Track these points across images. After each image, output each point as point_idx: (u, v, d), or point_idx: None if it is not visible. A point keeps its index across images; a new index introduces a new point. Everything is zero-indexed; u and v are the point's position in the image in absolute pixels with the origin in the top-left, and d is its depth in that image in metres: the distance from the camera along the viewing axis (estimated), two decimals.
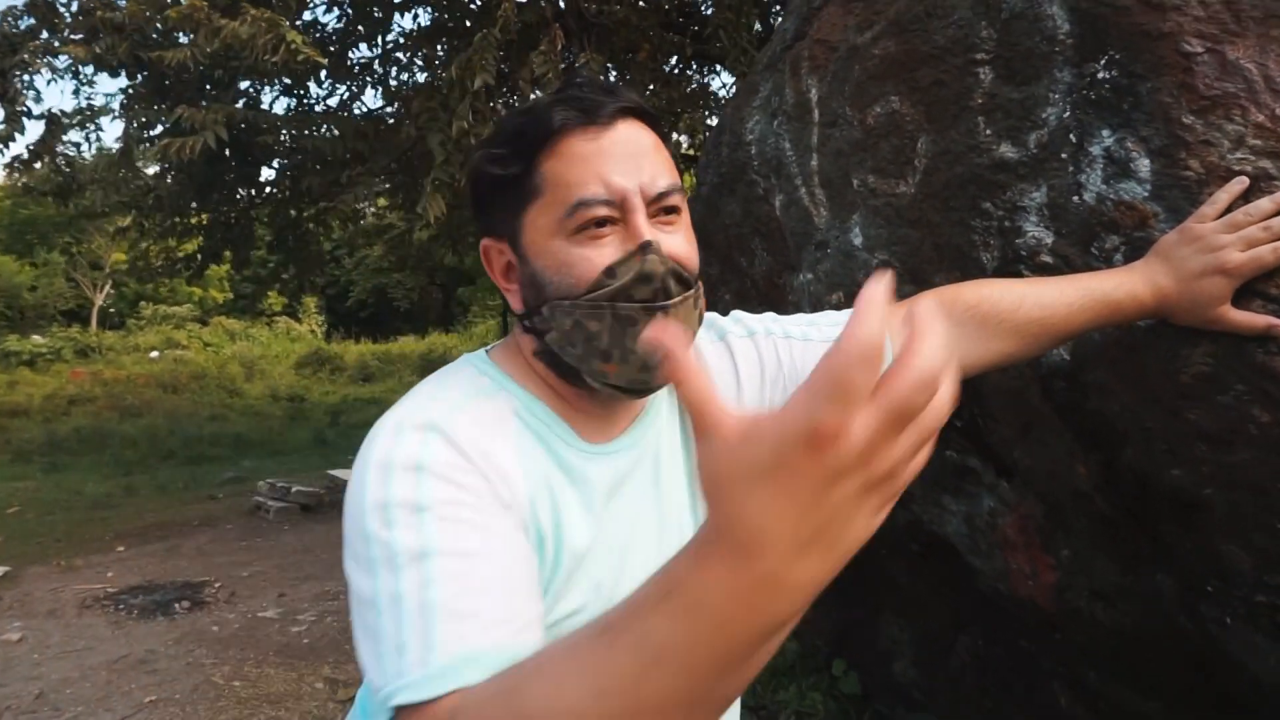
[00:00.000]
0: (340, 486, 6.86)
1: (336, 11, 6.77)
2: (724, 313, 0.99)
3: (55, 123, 6.59)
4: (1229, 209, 0.98)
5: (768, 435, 0.42)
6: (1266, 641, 1.12)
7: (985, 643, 1.95)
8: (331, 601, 4.42)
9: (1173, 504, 1.13)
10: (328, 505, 6.60)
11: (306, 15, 6.55)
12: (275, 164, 7.60)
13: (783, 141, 1.73)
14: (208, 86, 6.48)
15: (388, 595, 0.63)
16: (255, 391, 14.51)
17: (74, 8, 5.97)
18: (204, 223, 8.12)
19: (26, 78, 6.17)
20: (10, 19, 6.12)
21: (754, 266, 1.89)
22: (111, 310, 25.53)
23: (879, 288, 0.39)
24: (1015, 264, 1.22)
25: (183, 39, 5.53)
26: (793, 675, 2.80)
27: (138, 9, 5.28)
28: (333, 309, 27.62)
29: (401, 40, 6.98)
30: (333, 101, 7.35)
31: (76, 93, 8.89)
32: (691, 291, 0.77)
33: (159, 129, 6.41)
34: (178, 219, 7.83)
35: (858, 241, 1.53)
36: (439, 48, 6.64)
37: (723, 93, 7.40)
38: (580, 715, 0.48)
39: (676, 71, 7.17)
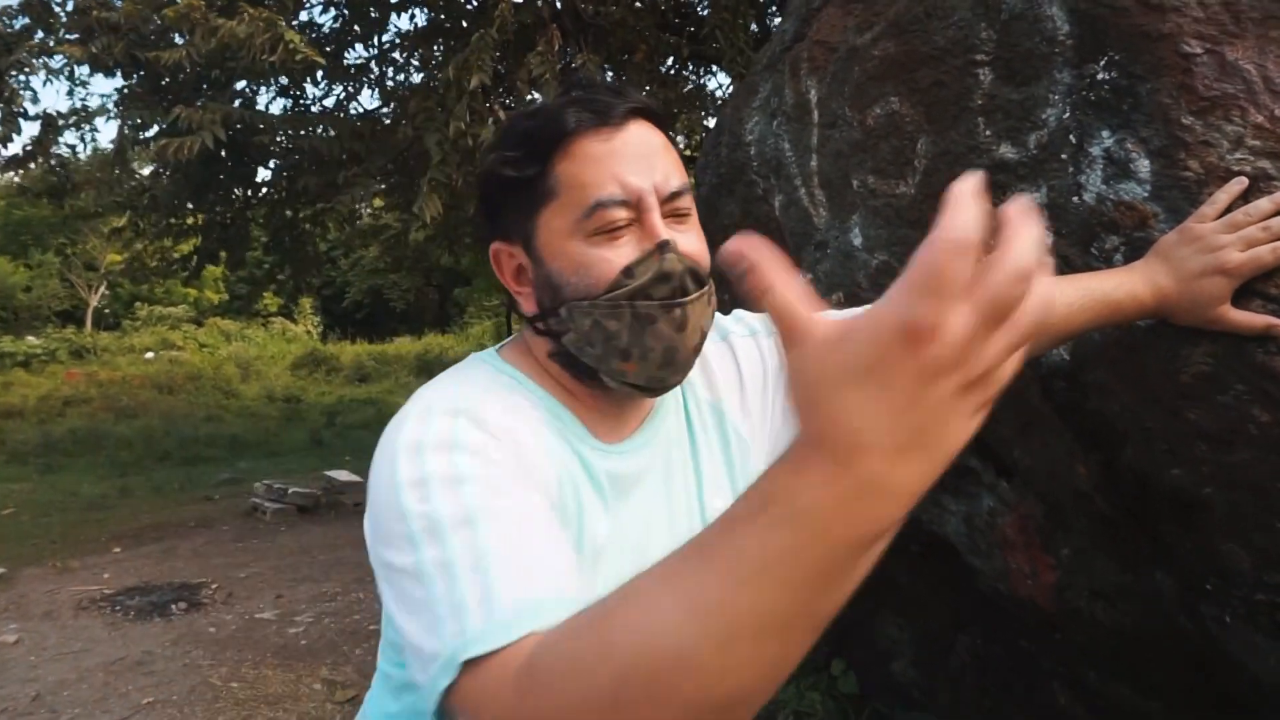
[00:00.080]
0: (337, 488, 6.85)
1: (333, 12, 6.76)
2: (724, 313, 0.99)
3: (50, 123, 6.57)
4: (1228, 209, 0.99)
5: (862, 335, 0.41)
6: (1266, 640, 1.12)
7: (985, 642, 1.96)
8: (329, 603, 4.42)
9: (1173, 503, 1.14)
10: (324, 506, 6.60)
11: (303, 15, 6.54)
12: (271, 164, 7.58)
13: (782, 142, 1.73)
14: (204, 87, 6.46)
15: (436, 563, 0.62)
16: (251, 392, 14.48)
17: (69, 7, 5.95)
18: (200, 223, 8.09)
19: (22, 78, 6.15)
20: (5, 19, 6.11)
21: None
22: (106, 311, 25.46)
23: (972, 181, 0.39)
24: None
25: (179, 39, 5.52)
26: (791, 675, 2.80)
27: (134, 8, 5.27)
28: (329, 310, 27.58)
29: (398, 40, 6.97)
30: (329, 102, 7.34)
31: (71, 93, 8.87)
32: (706, 288, 0.78)
33: (155, 129, 6.39)
34: (173, 219, 7.81)
35: (857, 242, 1.53)
36: (435, 48, 6.63)
37: (719, 93, 7.40)
38: (675, 637, 0.46)
39: (673, 72, 7.16)
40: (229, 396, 14.07)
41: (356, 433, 11.01)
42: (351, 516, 6.42)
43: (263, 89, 7.11)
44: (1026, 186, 1.20)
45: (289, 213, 8.11)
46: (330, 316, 27.47)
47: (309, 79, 6.82)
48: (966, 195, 0.38)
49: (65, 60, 6.08)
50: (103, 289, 24.67)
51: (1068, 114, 1.15)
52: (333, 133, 6.48)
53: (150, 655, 3.75)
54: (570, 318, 0.76)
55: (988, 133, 1.25)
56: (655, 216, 0.75)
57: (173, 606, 4.38)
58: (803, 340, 0.43)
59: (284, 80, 6.88)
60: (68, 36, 5.83)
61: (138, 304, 24.70)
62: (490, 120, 4.96)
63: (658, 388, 0.79)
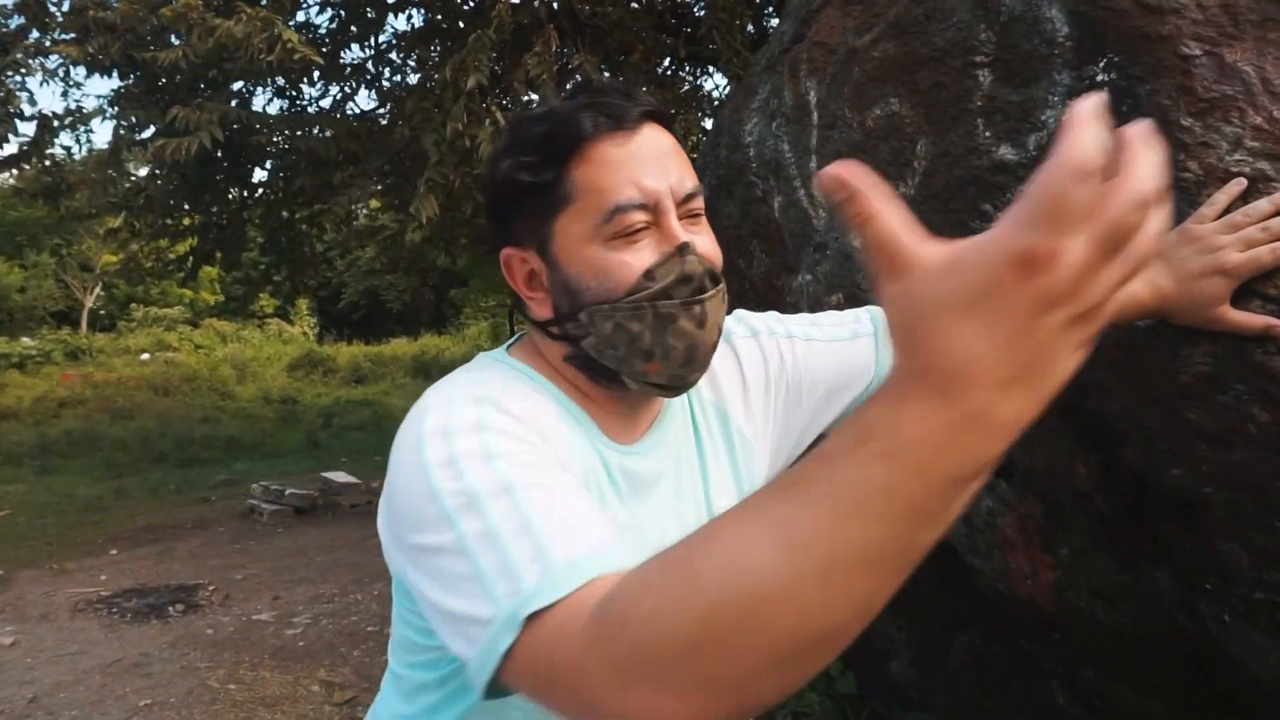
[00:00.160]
0: (334, 489, 6.84)
1: (329, 12, 6.75)
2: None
3: (46, 125, 6.56)
4: (1228, 210, 0.99)
5: (973, 263, 0.40)
6: (1266, 640, 1.13)
7: (984, 642, 1.96)
8: (326, 604, 4.41)
9: (1172, 503, 1.14)
10: (321, 508, 6.59)
11: (300, 16, 6.53)
12: (267, 165, 7.57)
13: (781, 143, 1.73)
14: (200, 87, 6.45)
15: (477, 534, 0.61)
16: (247, 394, 14.45)
17: (65, 7, 5.94)
18: (195, 224, 8.08)
19: (19, 79, 6.13)
20: (0, 19, 6.09)
21: (752, 268, 1.90)
22: (102, 312, 25.40)
23: (1094, 101, 0.37)
24: None
25: (175, 39, 5.51)
26: None
27: (130, 8, 5.26)
28: (325, 311, 27.53)
29: (395, 41, 6.97)
30: (326, 103, 7.34)
31: (65, 95, 8.83)
32: (721, 285, 0.79)
33: (151, 130, 6.38)
34: (169, 220, 7.80)
35: (857, 243, 1.53)
36: (432, 49, 6.63)
37: (716, 94, 7.41)
38: (767, 573, 0.45)
39: (670, 73, 7.18)
40: (225, 398, 14.04)
41: (353, 434, 11.00)
42: (348, 518, 6.42)
43: (259, 90, 7.11)
44: (1026, 188, 1.21)
45: (285, 213, 8.11)
46: (326, 318, 27.43)
47: (305, 79, 6.81)
48: (1088, 116, 0.36)
49: (61, 60, 6.06)
50: (98, 290, 24.60)
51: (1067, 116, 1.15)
52: (329, 133, 6.48)
53: (147, 657, 3.74)
54: (591, 322, 0.76)
55: (987, 134, 1.25)
56: (672, 219, 0.75)
57: (170, 608, 4.38)
58: (906, 270, 0.42)
59: (281, 81, 6.88)
60: (63, 36, 5.82)
61: (133, 305, 24.64)
62: (487, 121, 4.96)
63: (679, 385, 0.80)
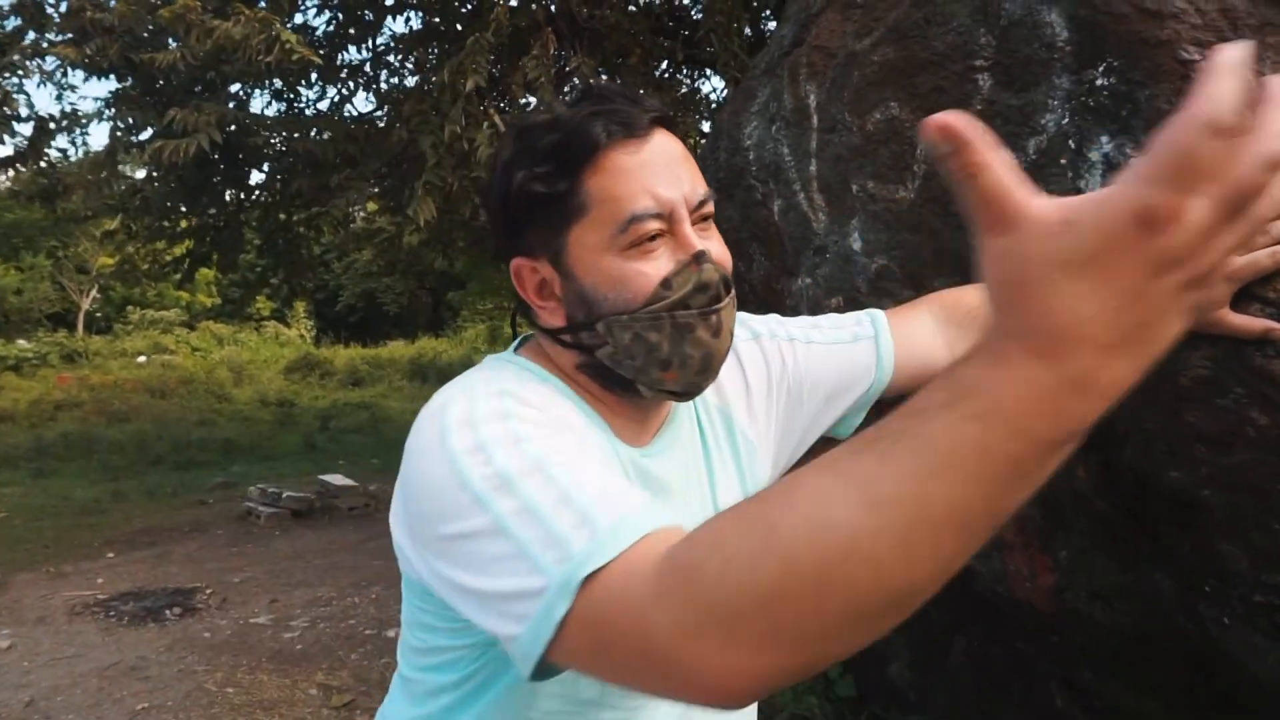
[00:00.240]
0: (331, 492, 6.83)
1: (327, 14, 6.75)
2: None
3: (43, 127, 6.55)
4: None
5: (1090, 219, 0.38)
6: (1265, 641, 1.13)
7: (982, 644, 1.97)
8: (324, 608, 4.41)
9: (1172, 505, 1.15)
10: (319, 511, 6.58)
11: (297, 18, 6.53)
12: (265, 167, 7.57)
13: (781, 147, 1.74)
14: (198, 89, 6.45)
15: (515, 513, 0.60)
16: (244, 396, 14.43)
17: (63, 9, 5.93)
18: (192, 226, 8.07)
19: (16, 80, 6.12)
20: None
21: (752, 271, 1.90)
22: (98, 315, 25.35)
23: (1237, 50, 0.35)
24: None
25: (173, 41, 5.51)
26: None
27: (128, 9, 5.25)
28: (322, 313, 27.51)
29: (393, 43, 6.97)
30: (323, 105, 7.33)
31: (59, 98, 8.81)
32: (733, 291, 0.79)
33: (148, 132, 6.38)
34: (165, 222, 7.79)
35: (857, 246, 1.54)
36: (430, 51, 6.63)
37: (714, 97, 7.42)
38: (849, 529, 0.44)
39: (667, 76, 7.18)
40: (222, 400, 14.02)
41: (350, 437, 10.99)
42: (346, 521, 6.41)
43: (257, 92, 7.11)
44: None
45: (282, 216, 8.10)
46: (323, 320, 27.40)
47: (303, 81, 6.81)
48: (1228, 65, 0.35)
49: (59, 63, 6.06)
50: (94, 293, 24.56)
51: (1067, 120, 1.16)
52: (327, 135, 6.47)
53: (145, 661, 3.74)
54: (609, 332, 0.76)
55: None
56: (687, 227, 0.75)
57: (167, 611, 4.36)
58: (1015, 226, 0.40)
59: (278, 83, 6.88)
60: (60, 38, 5.81)
61: (130, 308, 24.60)
62: (485, 124, 4.95)
63: (692, 392, 0.80)
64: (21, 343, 18.66)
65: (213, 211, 7.83)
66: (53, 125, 6.65)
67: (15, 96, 6.13)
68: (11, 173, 6.71)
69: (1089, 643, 1.49)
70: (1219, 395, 1.04)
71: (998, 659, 1.91)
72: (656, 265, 0.74)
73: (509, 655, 0.61)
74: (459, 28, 6.15)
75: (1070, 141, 1.15)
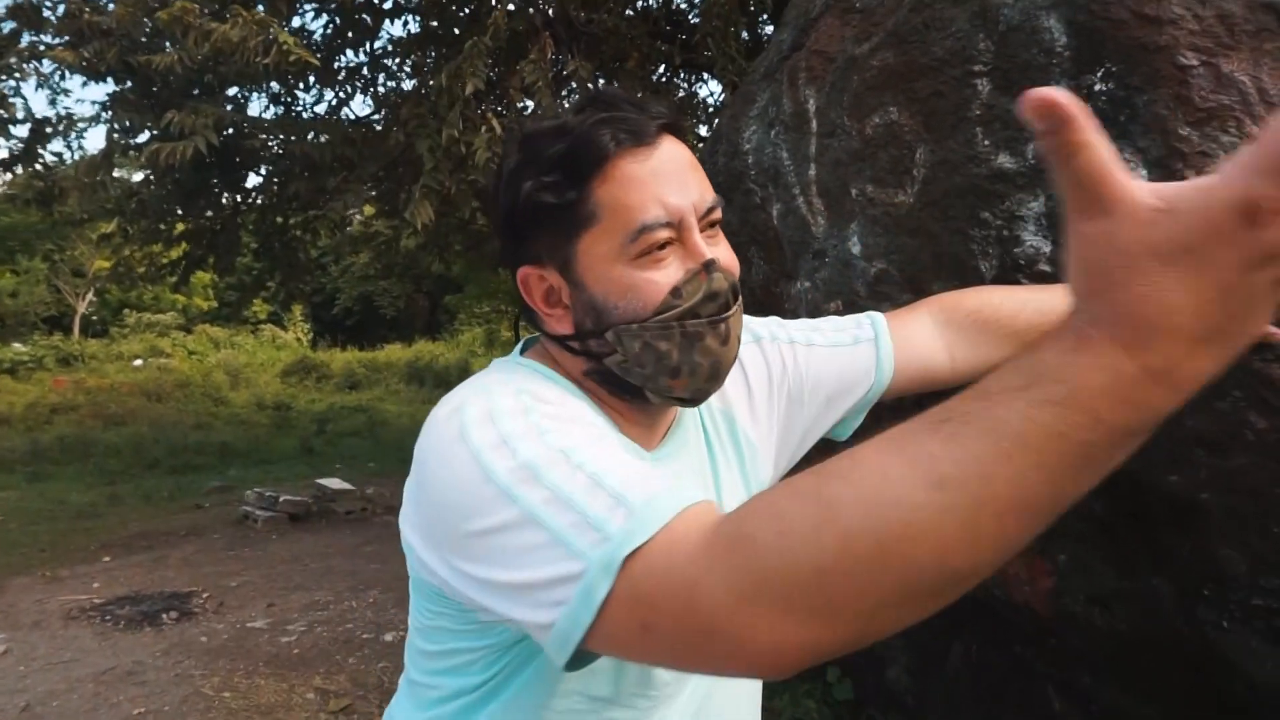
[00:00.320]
0: (328, 495, 6.82)
1: (325, 18, 6.76)
2: None
3: (39, 130, 6.54)
4: None
5: (1188, 209, 0.38)
6: (1263, 644, 1.13)
7: (980, 648, 1.97)
8: (321, 612, 4.39)
9: (1170, 508, 1.15)
10: (316, 514, 6.56)
11: (295, 22, 6.53)
12: (262, 170, 7.57)
13: (780, 151, 1.74)
14: (195, 92, 6.45)
15: (545, 501, 0.60)
16: (241, 400, 14.40)
17: (60, 11, 5.93)
18: (189, 229, 8.06)
19: (13, 84, 6.12)
20: None
21: (751, 275, 1.90)
22: (94, 318, 25.29)
23: None
24: (1014, 272, 1.24)
25: (171, 44, 5.51)
26: (786, 682, 2.81)
27: (125, 12, 5.25)
28: (318, 317, 27.46)
29: (390, 47, 6.97)
30: (321, 108, 7.34)
31: (53, 102, 8.75)
32: (741, 299, 0.79)
33: (145, 135, 6.38)
34: (162, 225, 7.78)
35: (856, 250, 1.54)
36: (428, 55, 6.64)
37: (711, 101, 7.44)
38: (911, 508, 0.44)
39: (665, 80, 7.20)
40: (218, 404, 13.98)
41: (347, 440, 10.97)
42: (342, 525, 6.39)
43: (254, 95, 7.11)
44: (1025, 196, 1.22)
45: (279, 219, 8.10)
46: (320, 323, 27.36)
47: (301, 84, 6.82)
48: None
49: (55, 66, 6.05)
50: (90, 296, 24.51)
51: None
52: (324, 138, 6.47)
53: (141, 665, 3.72)
54: (619, 341, 0.76)
55: (986, 142, 1.26)
56: (696, 235, 0.75)
57: (163, 616, 4.35)
58: (1112, 210, 0.40)
59: (276, 86, 6.88)
60: (57, 40, 5.81)
61: (126, 311, 24.54)
62: (483, 128, 4.95)
63: (701, 399, 0.80)
64: (17, 346, 18.61)
65: (209, 214, 7.83)
66: (49, 129, 6.64)
67: (12, 101, 6.12)
68: (8, 176, 6.69)
69: (1087, 646, 1.50)
70: (1218, 399, 1.05)
71: (996, 663, 1.91)
72: (666, 274, 0.74)
73: (540, 646, 0.60)
74: (457, 32, 6.16)
75: None
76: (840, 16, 1.58)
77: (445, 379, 15.96)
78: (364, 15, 6.49)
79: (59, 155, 8.93)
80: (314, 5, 6.59)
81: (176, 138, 5.14)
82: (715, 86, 7.70)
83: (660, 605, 0.53)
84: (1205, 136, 1.03)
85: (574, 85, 5.74)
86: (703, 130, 6.89)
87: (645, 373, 0.77)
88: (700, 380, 0.77)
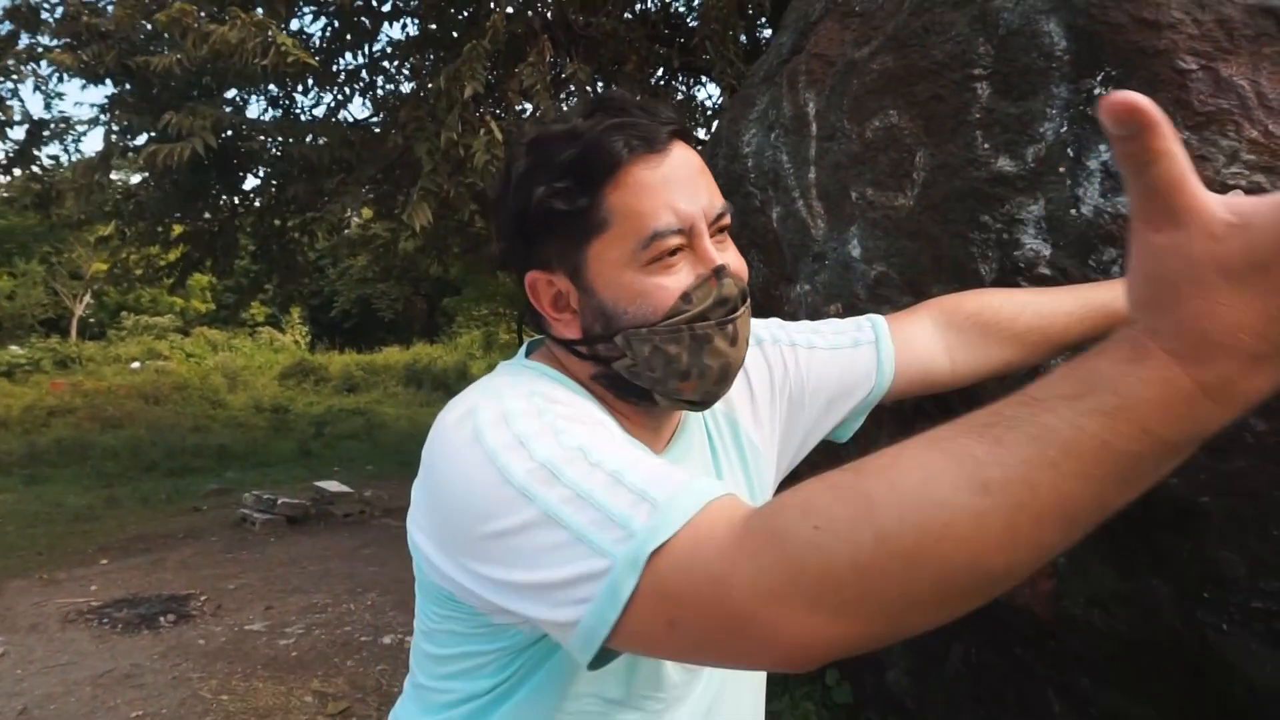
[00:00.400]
0: (326, 498, 6.81)
1: (323, 20, 6.76)
2: None
3: (35, 132, 6.54)
4: None
5: (1262, 225, 0.37)
6: (1262, 647, 1.13)
7: (980, 651, 1.97)
8: (319, 614, 4.39)
9: (1170, 511, 1.15)
10: (314, 517, 6.55)
11: (294, 24, 6.54)
12: (260, 172, 7.56)
13: (780, 154, 1.74)
14: (194, 94, 6.45)
15: (564, 500, 0.59)
16: (238, 402, 14.38)
17: (58, 13, 5.93)
18: (186, 231, 8.06)
19: (11, 85, 6.11)
20: None
21: (751, 278, 1.90)
22: (92, 320, 25.25)
23: None
24: (1013, 275, 1.24)
25: (169, 46, 5.51)
26: (785, 685, 2.81)
27: (125, 15, 5.25)
28: (316, 319, 27.43)
29: (389, 50, 6.98)
30: (319, 111, 7.34)
31: (48, 106, 8.76)
32: (749, 301, 0.80)
33: (143, 137, 6.37)
34: (160, 227, 7.77)
35: (856, 253, 1.54)
36: (427, 58, 6.64)
37: (710, 104, 7.45)
38: (953, 509, 0.44)
39: (663, 83, 7.20)
40: (216, 407, 13.97)
41: (345, 443, 10.96)
42: (341, 527, 6.39)
43: (253, 97, 7.11)
44: (1025, 199, 1.22)
45: (277, 221, 8.10)
46: (318, 326, 27.33)
47: (300, 87, 6.82)
48: None
49: (53, 68, 6.05)
50: (88, 298, 24.47)
51: (1065, 128, 1.16)
52: (323, 141, 6.47)
53: (139, 668, 3.71)
54: (628, 345, 0.76)
55: (986, 146, 1.27)
56: (707, 241, 0.75)
57: (161, 618, 4.34)
58: (1185, 222, 0.39)
59: (274, 88, 6.88)
60: (55, 42, 5.80)
61: (123, 314, 24.51)
62: (481, 131, 4.96)
63: (709, 401, 0.80)
64: (14, 348, 18.59)
65: (207, 216, 7.82)
66: (46, 132, 6.64)
67: (10, 103, 6.12)
68: (5, 179, 6.69)
69: (1087, 649, 1.50)
70: None
71: (995, 665, 1.91)
72: (677, 279, 0.74)
73: (556, 648, 0.60)
74: (455, 35, 6.16)
75: (1069, 150, 1.16)
76: (840, 20, 1.58)
77: (443, 381, 15.95)
78: (363, 18, 6.50)
79: (55, 159, 8.92)
80: (313, 7, 6.60)
81: (175, 139, 5.14)
82: (713, 90, 7.71)
83: (687, 600, 0.53)
84: (1204, 140, 1.03)
85: (572, 88, 5.74)
86: (701, 133, 6.90)
87: (655, 376, 0.77)
88: (709, 383, 0.77)
